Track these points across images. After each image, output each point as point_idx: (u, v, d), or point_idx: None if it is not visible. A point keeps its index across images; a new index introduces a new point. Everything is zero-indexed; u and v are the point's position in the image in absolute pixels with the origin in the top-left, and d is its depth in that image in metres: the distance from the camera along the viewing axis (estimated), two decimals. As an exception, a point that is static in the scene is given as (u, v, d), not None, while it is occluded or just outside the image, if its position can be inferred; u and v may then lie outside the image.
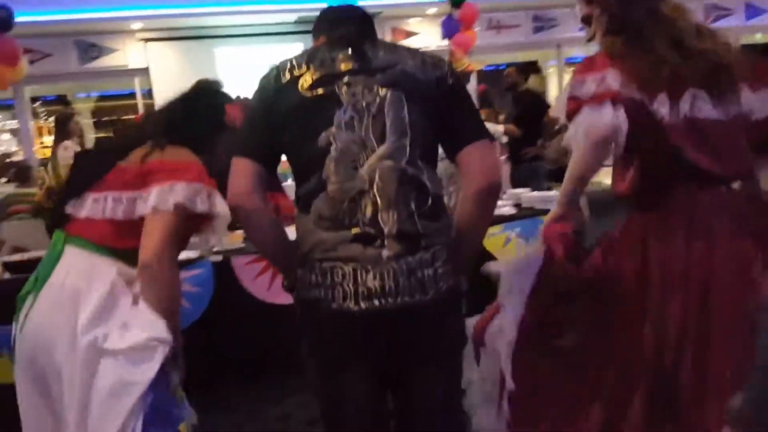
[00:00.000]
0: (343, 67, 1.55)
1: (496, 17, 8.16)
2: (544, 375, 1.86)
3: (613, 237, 1.90)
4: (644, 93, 1.73)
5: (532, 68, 5.82)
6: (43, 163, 6.33)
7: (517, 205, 4.10)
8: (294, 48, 5.66)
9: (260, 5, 7.11)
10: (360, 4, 1.71)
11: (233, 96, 2.01)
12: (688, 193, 1.76)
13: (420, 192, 1.53)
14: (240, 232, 3.25)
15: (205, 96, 1.97)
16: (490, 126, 5.42)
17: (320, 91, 1.54)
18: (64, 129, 5.52)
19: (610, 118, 1.69)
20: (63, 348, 1.68)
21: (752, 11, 9.19)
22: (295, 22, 7.29)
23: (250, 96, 1.73)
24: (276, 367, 3.26)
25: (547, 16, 8.27)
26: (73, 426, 1.66)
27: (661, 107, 1.72)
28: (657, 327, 1.74)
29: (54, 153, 5.40)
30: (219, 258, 3.31)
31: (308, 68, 1.56)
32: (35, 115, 7.87)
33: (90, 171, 1.83)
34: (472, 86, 7.74)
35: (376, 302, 1.48)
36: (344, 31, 1.62)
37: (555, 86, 8.92)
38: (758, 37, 9.88)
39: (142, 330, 1.65)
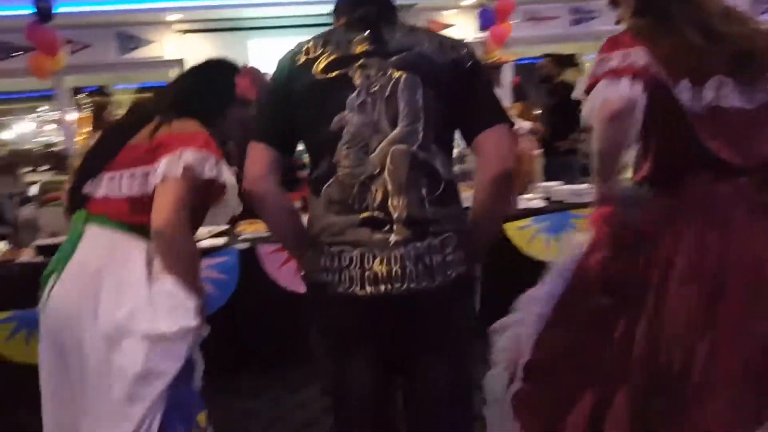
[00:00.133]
0: (358, 49, 1.53)
1: (534, 9, 8.02)
2: (560, 357, 1.82)
3: (628, 226, 1.84)
4: (668, 76, 1.67)
5: (569, 61, 5.69)
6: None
7: (548, 199, 4.04)
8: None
9: (294, -4, 7.14)
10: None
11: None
12: (706, 183, 1.70)
13: (432, 177, 1.51)
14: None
15: (213, 68, 1.98)
16: (517, 123, 5.39)
17: (334, 73, 1.52)
18: (99, 118, 5.62)
19: (625, 91, 1.64)
20: (85, 324, 1.70)
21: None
22: (329, 13, 7.27)
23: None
24: (297, 355, 3.26)
25: (585, 8, 8.09)
26: (93, 403, 1.68)
27: (683, 93, 1.66)
28: (654, 320, 1.69)
29: (88, 141, 5.52)
30: (245, 246, 3.34)
31: (324, 50, 1.54)
32: (78, 106, 8.01)
33: (104, 151, 1.86)
34: (507, 78, 7.67)
35: (382, 287, 1.46)
36: (363, 13, 1.59)
37: (593, 80, 8.71)
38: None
39: (172, 317, 1.67)
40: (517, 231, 3.68)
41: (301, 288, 1.66)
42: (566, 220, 3.67)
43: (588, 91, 1.77)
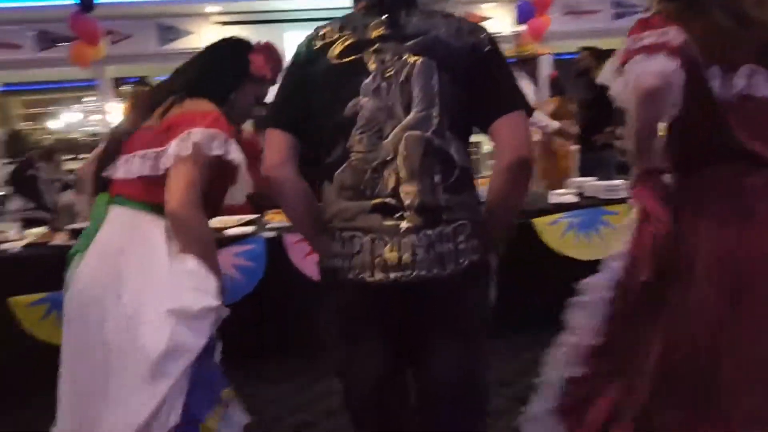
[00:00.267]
0: (374, 33, 1.51)
1: (574, 2, 7.92)
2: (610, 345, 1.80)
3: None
4: (701, 59, 1.62)
5: (608, 54, 5.55)
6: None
7: (581, 195, 3.97)
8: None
9: (331, -13, 7.16)
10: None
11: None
12: (733, 175, 1.64)
13: (446, 164, 1.49)
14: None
15: (224, 47, 1.99)
16: (544, 119, 5.33)
17: (349, 58, 1.51)
18: (138, 108, 5.71)
19: (662, 66, 1.57)
20: (109, 303, 1.73)
21: None
22: (365, 5, 7.26)
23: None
24: (322, 344, 3.28)
25: (627, 2, 7.94)
26: (116, 381, 1.69)
27: (714, 79, 1.60)
28: (676, 314, 1.64)
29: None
30: (272, 234, 3.36)
31: (340, 35, 1.53)
32: (121, 96, 8.19)
33: (121, 134, 1.88)
34: (545, 72, 7.56)
35: (392, 274, 1.44)
36: None
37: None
38: None
39: (194, 295, 1.69)
40: (547, 227, 3.62)
41: (324, 276, 1.66)
42: (598, 216, 3.60)
43: (619, 70, 1.71)
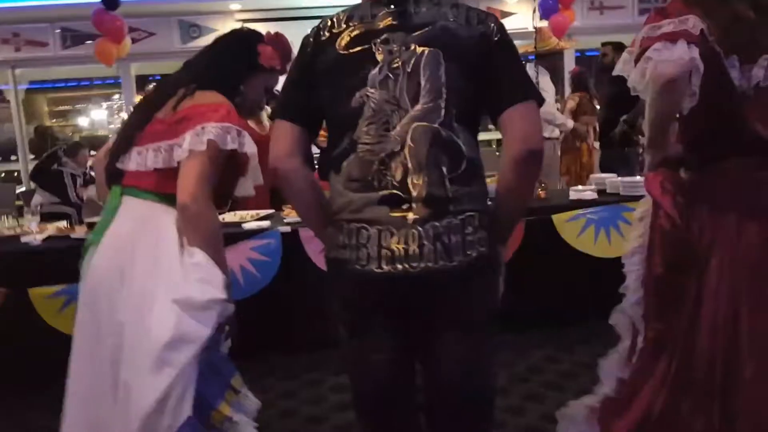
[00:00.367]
0: (382, 24, 1.49)
1: (599, -3, 7.83)
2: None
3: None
4: (720, 48, 1.58)
5: (633, 52, 5.48)
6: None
7: (602, 191, 3.92)
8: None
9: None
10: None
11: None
12: (748, 169, 1.60)
13: (453, 155, 1.47)
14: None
15: (233, 38, 1.99)
16: (560, 117, 5.27)
17: (357, 49, 1.49)
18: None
19: (683, 54, 1.53)
20: (120, 292, 1.75)
21: None
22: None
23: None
24: (337, 339, 3.28)
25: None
26: (127, 371, 1.70)
27: (733, 69, 1.56)
28: (695, 313, 1.61)
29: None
30: (288, 229, 3.36)
31: (348, 25, 1.51)
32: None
33: (133, 126, 1.89)
34: (570, 67, 7.48)
35: (399, 266, 1.43)
36: None
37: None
38: None
39: (201, 287, 1.69)
40: (565, 223, 3.58)
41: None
42: (618, 213, 3.55)
43: (638, 59, 1.67)
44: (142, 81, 7.96)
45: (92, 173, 5.88)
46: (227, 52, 1.96)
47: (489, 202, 1.54)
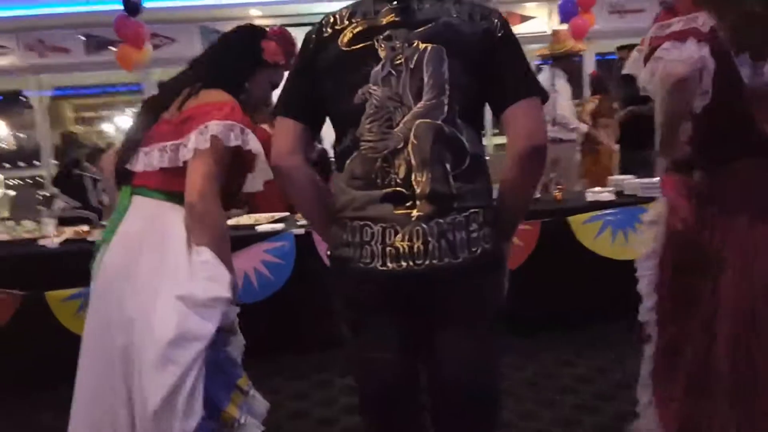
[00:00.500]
0: (385, 20, 1.48)
1: (618, 1, 7.75)
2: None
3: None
4: (730, 46, 1.54)
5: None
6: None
7: (619, 193, 3.87)
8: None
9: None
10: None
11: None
12: (758, 170, 1.56)
13: (457, 152, 1.45)
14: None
15: (236, 35, 1.99)
16: (573, 121, 5.21)
17: (359, 45, 1.48)
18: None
19: (692, 53, 1.50)
20: (129, 290, 1.75)
21: None
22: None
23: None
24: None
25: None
26: (138, 369, 1.70)
27: (743, 68, 1.53)
28: (708, 312, 1.57)
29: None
30: (301, 231, 3.36)
31: (350, 22, 1.51)
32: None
33: (140, 127, 1.91)
34: (587, 70, 7.43)
35: (404, 263, 1.42)
36: None
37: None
38: None
39: (207, 285, 1.69)
40: (582, 225, 3.54)
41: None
42: (636, 215, 3.49)
43: (646, 59, 1.64)
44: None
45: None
46: (231, 50, 1.96)
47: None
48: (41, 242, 3.42)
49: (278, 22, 7.65)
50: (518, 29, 7.83)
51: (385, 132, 1.45)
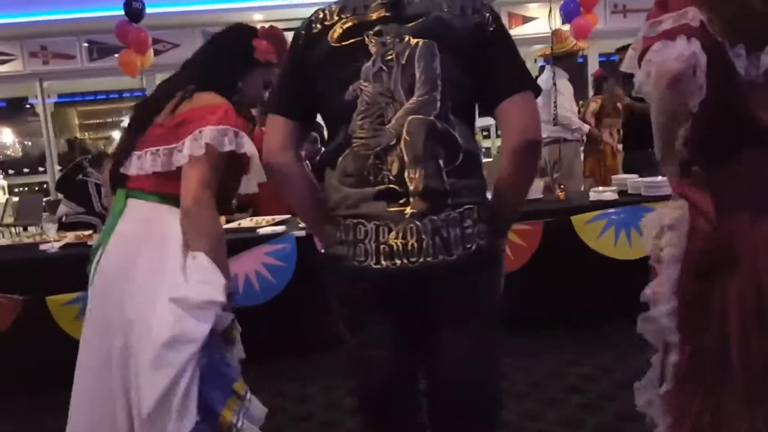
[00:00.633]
0: (374, 15, 1.47)
1: (622, 1, 7.73)
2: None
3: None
4: (724, 39, 1.52)
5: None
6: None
7: (623, 192, 3.84)
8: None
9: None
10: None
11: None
12: (758, 164, 1.53)
13: (450, 148, 1.43)
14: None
15: (226, 36, 1.98)
16: (576, 122, 5.19)
17: (349, 41, 1.46)
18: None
19: (684, 50, 1.47)
20: (128, 293, 1.75)
21: None
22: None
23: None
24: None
25: None
26: (134, 370, 1.70)
27: (739, 60, 1.50)
28: (720, 311, 1.55)
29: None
30: (303, 233, 3.35)
31: (340, 17, 1.49)
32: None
33: (133, 131, 1.90)
34: (591, 70, 7.39)
35: (398, 261, 1.40)
36: None
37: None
38: None
39: (201, 288, 1.69)
40: (585, 225, 3.51)
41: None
42: (639, 214, 3.46)
43: (640, 59, 1.62)
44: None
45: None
46: (222, 50, 1.95)
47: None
48: (42, 247, 3.42)
49: (282, 26, 7.67)
50: (521, 30, 7.83)
51: (377, 129, 1.44)
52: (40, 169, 8.59)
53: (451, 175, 1.42)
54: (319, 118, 1.62)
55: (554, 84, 4.70)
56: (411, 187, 1.41)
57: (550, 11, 5.11)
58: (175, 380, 1.62)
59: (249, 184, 1.97)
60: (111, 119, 9.91)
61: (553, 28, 5.08)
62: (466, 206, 1.43)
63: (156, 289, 1.70)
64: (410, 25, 1.45)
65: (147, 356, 1.65)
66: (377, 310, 1.50)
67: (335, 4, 1.53)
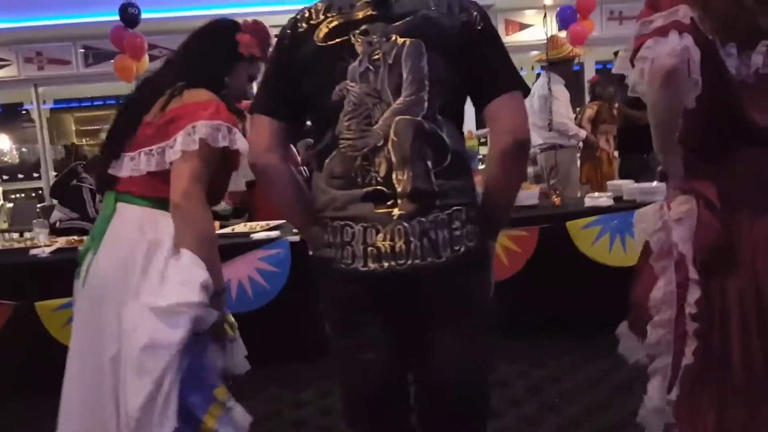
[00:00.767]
0: (361, 14, 1.44)
1: (618, 8, 7.73)
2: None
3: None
4: (715, 37, 1.50)
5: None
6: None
7: (618, 198, 3.83)
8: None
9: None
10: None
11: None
12: (753, 162, 1.51)
13: (438, 148, 1.42)
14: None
15: (209, 31, 1.96)
16: (573, 127, 5.19)
17: (335, 40, 1.44)
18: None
19: (676, 45, 1.46)
20: (123, 299, 1.72)
21: None
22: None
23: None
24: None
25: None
26: (122, 379, 1.68)
27: (729, 57, 1.49)
28: (719, 310, 1.53)
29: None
30: (296, 238, 3.32)
31: (326, 16, 1.46)
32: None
33: (122, 131, 1.87)
34: (588, 76, 7.39)
35: (386, 263, 1.38)
36: None
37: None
38: None
39: (177, 290, 1.66)
40: (580, 231, 3.49)
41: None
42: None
43: (632, 59, 1.60)
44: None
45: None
46: (208, 46, 1.92)
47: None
48: (33, 251, 3.39)
49: (276, 31, 7.66)
50: (518, 37, 7.83)
51: (364, 129, 1.42)
52: (35, 175, 8.56)
53: (440, 176, 1.41)
54: None
55: (549, 90, 4.68)
56: (399, 189, 1.39)
57: (545, 17, 5.08)
58: (156, 386, 1.60)
59: (237, 181, 1.95)
60: (107, 125, 9.87)
61: (549, 35, 5.07)
62: (455, 207, 1.41)
63: (140, 295, 1.69)
64: (397, 24, 1.43)
65: (131, 363, 1.63)
66: (366, 312, 1.47)
67: (321, 2, 1.50)
